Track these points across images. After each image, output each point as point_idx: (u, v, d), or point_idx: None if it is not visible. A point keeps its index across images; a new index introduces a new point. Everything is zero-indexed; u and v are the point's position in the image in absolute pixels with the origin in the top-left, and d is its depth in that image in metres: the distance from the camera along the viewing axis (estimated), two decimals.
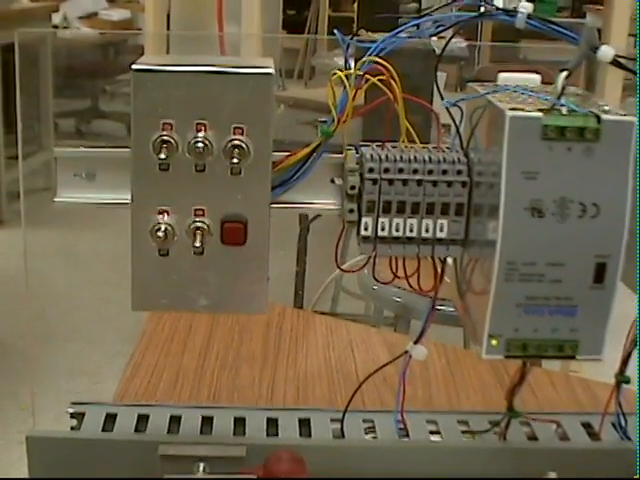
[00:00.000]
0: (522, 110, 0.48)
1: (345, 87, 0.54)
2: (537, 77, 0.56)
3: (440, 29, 0.56)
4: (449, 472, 0.61)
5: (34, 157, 3.37)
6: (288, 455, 0.56)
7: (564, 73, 0.49)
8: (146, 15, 1.85)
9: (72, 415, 0.64)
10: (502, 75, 0.56)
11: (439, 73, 0.58)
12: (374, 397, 0.80)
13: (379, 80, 0.54)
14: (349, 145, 0.57)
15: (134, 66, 0.51)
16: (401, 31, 0.56)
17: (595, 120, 0.47)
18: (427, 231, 0.54)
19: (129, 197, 0.54)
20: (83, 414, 0.64)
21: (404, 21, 0.56)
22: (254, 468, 0.56)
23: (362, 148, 0.56)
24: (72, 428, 0.64)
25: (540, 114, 0.47)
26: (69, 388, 2.09)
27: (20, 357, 2.05)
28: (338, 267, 0.62)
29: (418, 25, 0.56)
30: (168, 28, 2.00)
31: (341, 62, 0.57)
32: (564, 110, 0.48)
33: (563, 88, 0.48)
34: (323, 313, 1.66)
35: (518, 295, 0.49)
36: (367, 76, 0.54)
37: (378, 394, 0.80)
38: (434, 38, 0.57)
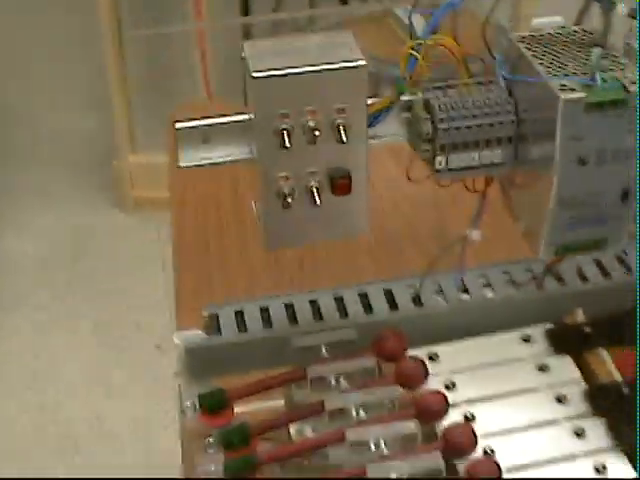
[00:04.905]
0: (570, 90, 0.62)
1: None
2: (560, 19, 0.69)
3: None
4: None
5: None
6: (391, 333, 0.75)
7: (598, 50, 0.62)
8: None
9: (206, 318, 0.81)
10: (536, 21, 0.69)
11: None
12: None
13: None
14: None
15: (254, 74, 0.63)
16: None
17: (624, 93, 0.62)
18: (486, 159, 0.70)
19: (241, 155, 0.69)
20: (217, 316, 0.81)
21: None
22: (365, 349, 0.74)
23: (429, 96, 0.69)
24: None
25: (583, 94, 0.62)
26: None
27: None
28: None
29: None
30: None
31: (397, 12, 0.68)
32: (599, 85, 0.62)
33: (598, 64, 0.62)
34: None
35: (567, 216, 0.67)
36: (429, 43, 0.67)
37: None
38: None
